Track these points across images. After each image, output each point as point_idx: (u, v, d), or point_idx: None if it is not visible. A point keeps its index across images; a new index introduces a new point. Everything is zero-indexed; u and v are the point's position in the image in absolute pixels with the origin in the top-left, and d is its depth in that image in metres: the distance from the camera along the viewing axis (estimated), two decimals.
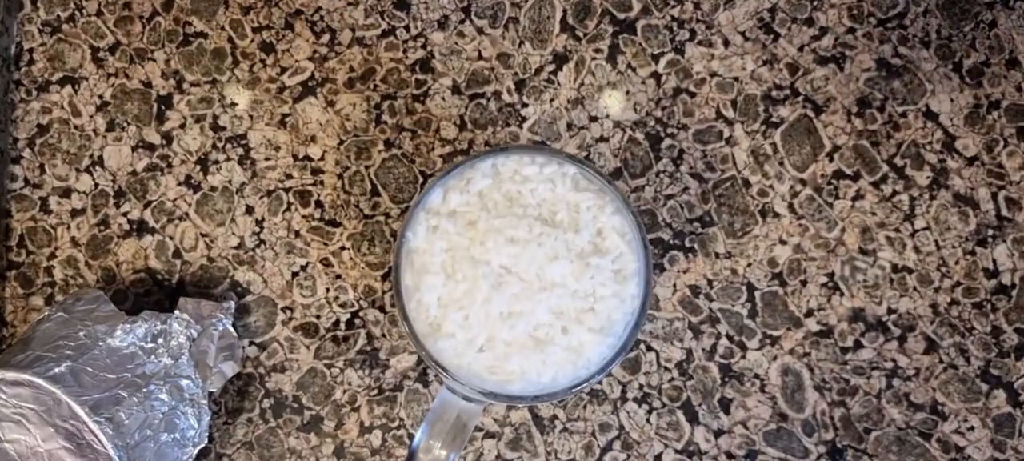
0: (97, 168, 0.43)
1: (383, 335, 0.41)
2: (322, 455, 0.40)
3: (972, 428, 0.40)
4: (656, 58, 0.43)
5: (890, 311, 0.41)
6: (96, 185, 0.42)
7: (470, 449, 0.40)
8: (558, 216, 0.29)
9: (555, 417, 0.40)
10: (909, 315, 0.41)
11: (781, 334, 0.41)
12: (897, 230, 0.42)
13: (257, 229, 0.42)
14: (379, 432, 0.41)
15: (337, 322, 0.41)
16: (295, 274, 0.42)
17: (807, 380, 0.41)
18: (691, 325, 0.41)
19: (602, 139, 0.42)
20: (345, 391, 0.41)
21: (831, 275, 0.41)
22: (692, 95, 0.43)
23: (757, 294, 0.41)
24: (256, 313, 0.41)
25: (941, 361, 0.41)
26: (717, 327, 0.41)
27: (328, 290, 0.42)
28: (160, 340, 0.37)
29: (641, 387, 0.41)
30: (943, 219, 0.41)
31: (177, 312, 0.38)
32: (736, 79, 0.43)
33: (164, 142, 0.43)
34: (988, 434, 0.40)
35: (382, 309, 0.41)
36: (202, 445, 0.38)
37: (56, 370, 0.35)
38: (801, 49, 0.43)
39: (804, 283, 0.41)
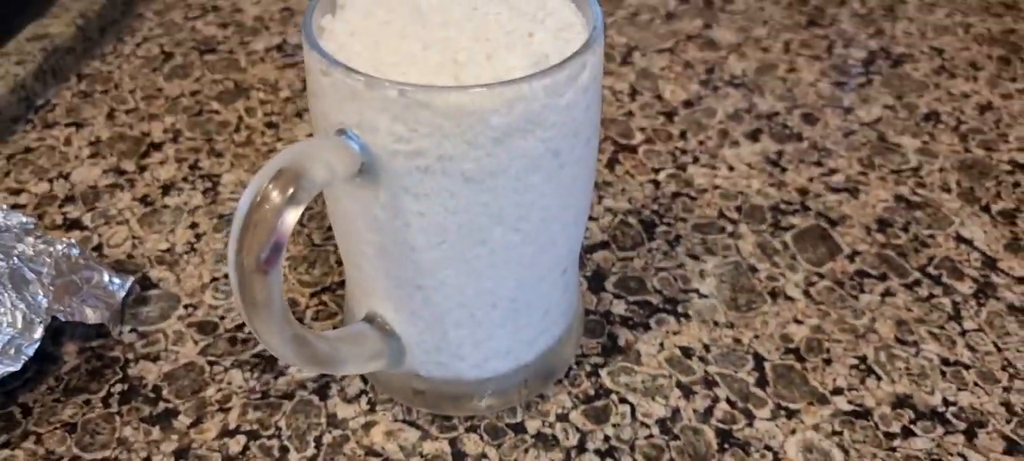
0: (60, 180, 0.41)
1: None
2: (159, 452, 0.30)
3: None
4: (656, 171, 0.41)
5: (946, 403, 0.31)
6: (50, 190, 0.40)
7: None
8: None
9: (484, 456, 0.29)
10: (974, 410, 0.31)
11: (801, 408, 0.31)
12: (942, 327, 0.34)
13: (194, 240, 0.38)
14: (243, 438, 0.30)
15: (241, 326, 0.34)
16: (214, 279, 0.36)
17: (839, 459, 0.29)
18: (680, 384, 0.32)
19: (592, 218, 0.39)
20: (219, 390, 0.32)
21: (863, 358, 0.32)
22: (693, 199, 0.40)
23: (767, 365, 0.32)
24: (153, 306, 0.35)
25: None
26: (714, 390, 0.31)
27: None
28: (30, 238, 0.32)
29: (607, 439, 0.30)
30: (999, 324, 0.34)
31: (68, 239, 0.33)
32: (741, 192, 0.40)
33: (137, 170, 0.41)
34: None
35: (300, 320, 0.34)
36: (12, 368, 0.29)
37: None
38: (811, 180, 0.41)
39: (827, 362, 0.32)
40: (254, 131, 0.44)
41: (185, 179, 0.41)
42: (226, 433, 0.30)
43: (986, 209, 0.39)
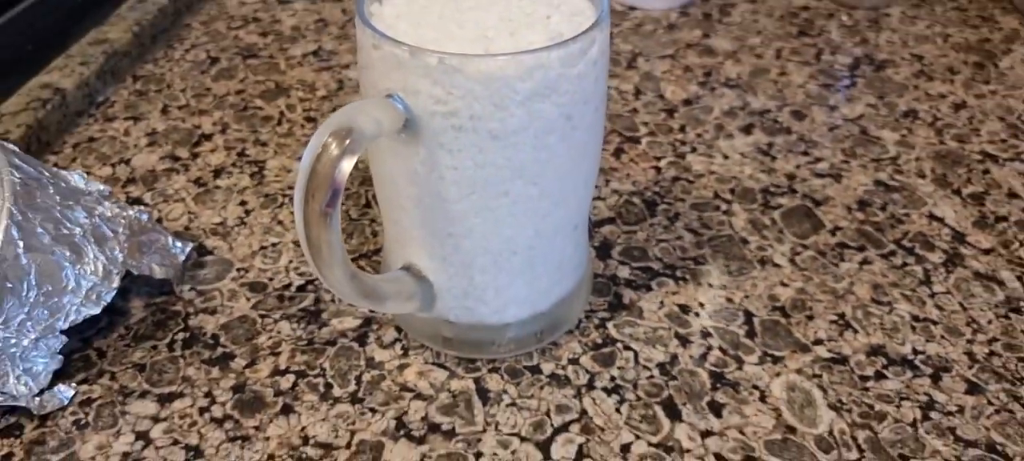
0: (121, 165, 0.46)
1: (332, 300, 0.38)
2: (218, 387, 0.34)
3: None
4: (658, 159, 0.46)
5: (916, 352, 0.35)
6: (114, 173, 0.45)
7: (391, 406, 0.33)
8: None
9: (504, 392, 0.33)
10: (941, 358, 0.35)
11: (785, 354, 0.35)
12: (914, 290, 0.38)
13: (244, 215, 0.42)
14: (293, 376, 0.34)
15: (289, 285, 0.38)
16: (263, 248, 0.40)
17: (819, 399, 0.33)
18: (678, 335, 0.36)
19: (599, 198, 0.43)
20: (270, 337, 0.36)
21: (842, 315, 0.37)
22: (691, 182, 0.44)
23: (756, 320, 0.36)
24: (209, 269, 0.39)
25: (990, 403, 0.33)
26: (708, 340, 0.35)
27: (291, 261, 0.39)
28: (108, 202, 0.36)
29: (613, 379, 0.34)
30: (966, 288, 0.38)
31: (140, 207, 0.38)
32: (735, 177, 0.44)
33: (190, 157, 0.46)
34: None
35: None
36: (93, 311, 0.33)
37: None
38: (798, 167, 0.45)
39: (810, 318, 0.36)
40: (294, 124, 0.48)
41: (234, 164, 0.45)
42: (277, 372, 0.34)
43: (957, 192, 0.43)
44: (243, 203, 0.43)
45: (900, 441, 0.31)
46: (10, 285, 0.31)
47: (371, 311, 0.36)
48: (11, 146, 0.34)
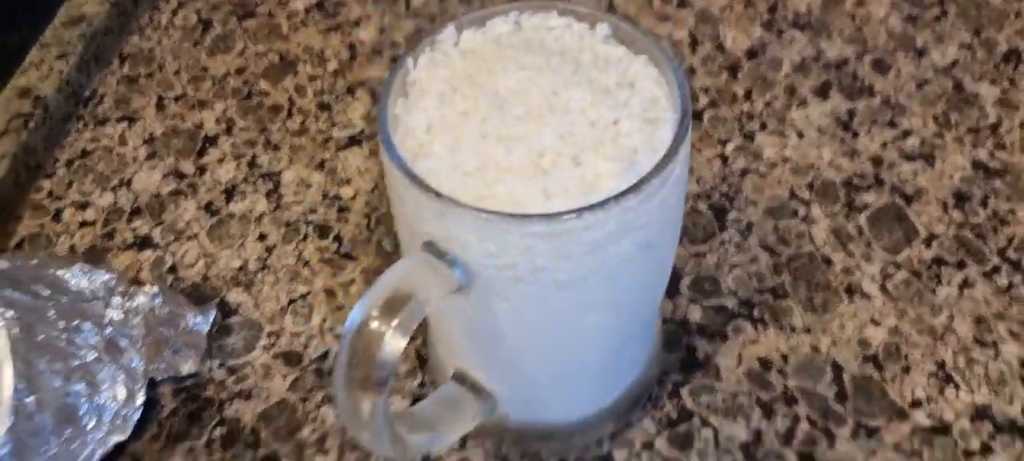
0: (122, 188, 0.41)
1: None
2: None
3: None
4: (723, 142, 0.40)
5: None
6: (115, 202, 0.40)
7: None
8: (582, 59, 0.25)
9: None
10: None
11: (880, 424, 0.31)
12: (1022, 323, 0.33)
13: (265, 254, 0.38)
14: None
15: (326, 354, 0.35)
16: (292, 301, 0.36)
17: None
18: (760, 402, 0.32)
19: None
20: (314, 430, 0.33)
21: (941, 365, 0.33)
22: (762, 176, 0.39)
23: (846, 376, 0.33)
24: (236, 335, 0.35)
25: None
26: (794, 408, 0.32)
27: (325, 320, 0.36)
28: (116, 297, 0.32)
29: None
30: None
31: (148, 286, 0.33)
32: (812, 165, 0.39)
33: (197, 172, 0.41)
34: None
35: None
36: (121, 437, 0.30)
37: None
38: (884, 146, 0.39)
39: (906, 371, 0.33)
40: (307, 116, 0.43)
41: (246, 180, 0.40)
42: None
43: None
44: (262, 236, 0.38)
45: None
46: (29, 443, 0.28)
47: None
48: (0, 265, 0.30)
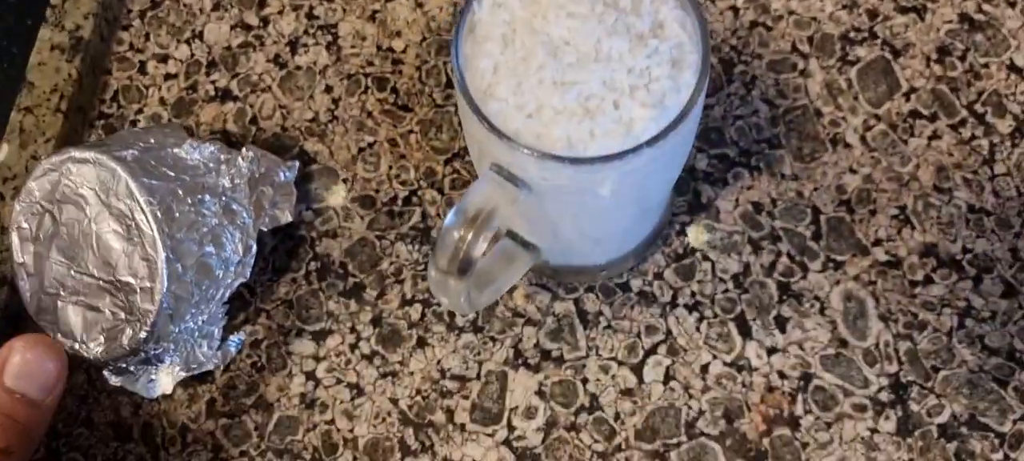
0: (196, 40, 0.45)
1: (438, 215, 0.41)
2: (359, 322, 0.40)
3: None
4: None
5: (965, 250, 0.39)
6: (192, 54, 0.45)
7: (508, 334, 0.39)
8: (621, 2, 0.30)
9: (600, 313, 0.39)
10: (986, 257, 0.39)
11: (846, 260, 0.39)
12: (975, 172, 0.40)
13: (333, 106, 0.44)
14: (419, 306, 0.40)
15: (395, 198, 0.42)
16: (361, 149, 0.43)
17: (871, 309, 0.38)
18: (751, 240, 0.40)
19: None
20: (392, 263, 0.41)
21: (903, 208, 0.40)
22: (768, 29, 0.43)
23: (822, 218, 0.40)
24: (318, 181, 0.42)
25: (1020, 306, 0.38)
26: (778, 245, 0.40)
27: (391, 168, 0.42)
28: (223, 166, 0.39)
29: (693, 295, 0.39)
30: None
31: (244, 150, 0.40)
32: (814, 18, 0.43)
33: (261, 24, 0.46)
34: None
35: (440, 190, 0.42)
36: (243, 279, 0.38)
37: (123, 154, 0.36)
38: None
39: (873, 213, 0.40)
40: None
41: (306, 32, 0.45)
42: (405, 303, 0.40)
43: None
44: (328, 88, 0.44)
45: (935, 352, 0.38)
46: (183, 296, 0.36)
47: None
48: (130, 158, 0.36)
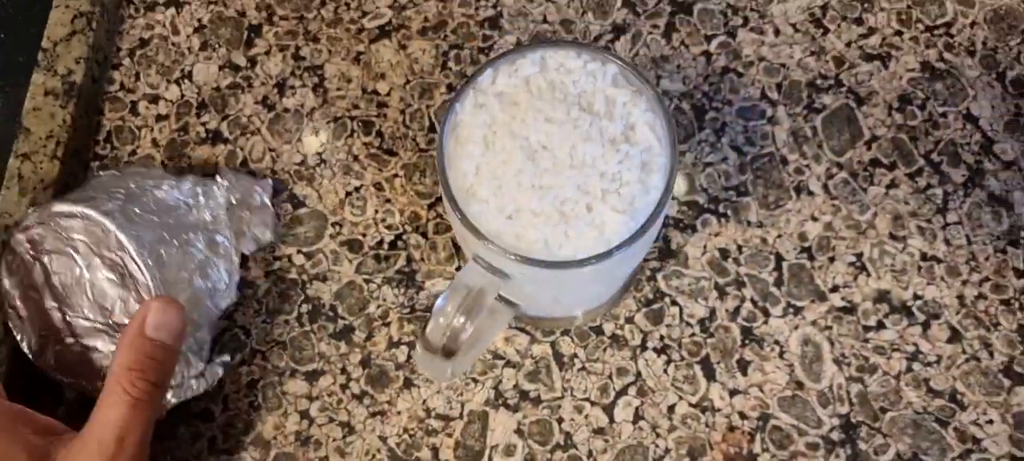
0: (185, 81, 0.47)
1: (422, 259, 0.44)
2: (350, 363, 0.42)
3: (991, 421, 0.40)
4: (709, 39, 0.46)
5: (916, 297, 0.42)
6: (182, 96, 0.47)
7: (489, 375, 0.42)
8: (595, 106, 0.32)
9: (575, 355, 0.42)
10: (935, 303, 0.41)
11: (805, 305, 0.42)
12: (929, 221, 0.42)
13: (320, 150, 0.45)
14: (405, 348, 0.42)
15: (381, 242, 0.44)
16: (348, 193, 0.45)
17: (827, 352, 0.41)
18: (717, 286, 0.42)
19: None
20: (379, 306, 0.43)
21: (859, 256, 0.42)
22: (739, 75, 0.45)
23: (785, 265, 0.42)
24: (307, 224, 0.44)
25: (964, 351, 0.41)
26: (742, 291, 0.42)
27: (377, 211, 0.44)
28: (201, 198, 0.41)
29: (662, 338, 0.42)
30: (976, 216, 0.42)
31: (218, 177, 0.42)
32: (783, 65, 0.45)
33: (248, 65, 0.47)
34: (1007, 430, 0.40)
35: (424, 235, 0.44)
36: (230, 301, 0.41)
37: (108, 206, 0.38)
38: (849, 44, 0.45)
39: (832, 260, 0.42)
40: (338, 3, 0.48)
41: (293, 73, 0.47)
42: (392, 345, 0.43)
43: (1001, 77, 0.44)
44: (315, 131, 0.46)
45: (883, 394, 0.41)
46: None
47: None
48: (116, 210, 0.38)
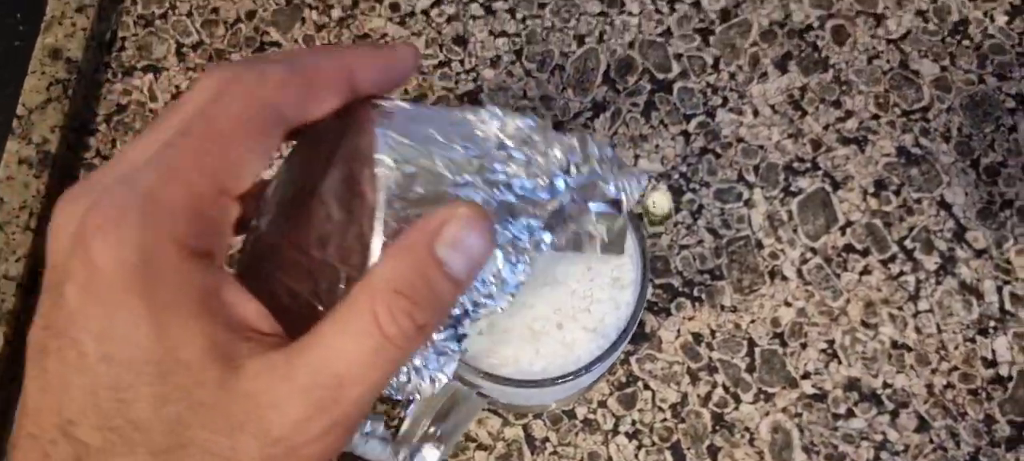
0: None
1: None
2: None
3: None
4: (688, 118, 0.46)
5: (885, 385, 0.42)
6: None
7: (461, 458, 0.42)
8: None
9: (547, 439, 0.42)
10: (904, 392, 0.42)
11: (776, 392, 0.42)
12: (900, 309, 0.43)
13: None
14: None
15: None
16: None
17: (796, 440, 0.42)
18: (690, 371, 0.43)
19: None
20: None
21: (831, 343, 0.43)
22: (718, 156, 0.45)
23: (757, 350, 0.43)
24: None
25: (931, 441, 0.41)
26: (714, 376, 0.43)
27: None
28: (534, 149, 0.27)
29: (634, 423, 0.42)
30: (947, 305, 0.43)
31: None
32: (761, 147, 0.45)
33: None
34: None
35: None
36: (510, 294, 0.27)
37: None
38: (826, 128, 0.45)
39: (804, 346, 0.43)
40: None
41: None
42: None
43: (975, 164, 0.45)
44: None
45: None
46: None
47: None
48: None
